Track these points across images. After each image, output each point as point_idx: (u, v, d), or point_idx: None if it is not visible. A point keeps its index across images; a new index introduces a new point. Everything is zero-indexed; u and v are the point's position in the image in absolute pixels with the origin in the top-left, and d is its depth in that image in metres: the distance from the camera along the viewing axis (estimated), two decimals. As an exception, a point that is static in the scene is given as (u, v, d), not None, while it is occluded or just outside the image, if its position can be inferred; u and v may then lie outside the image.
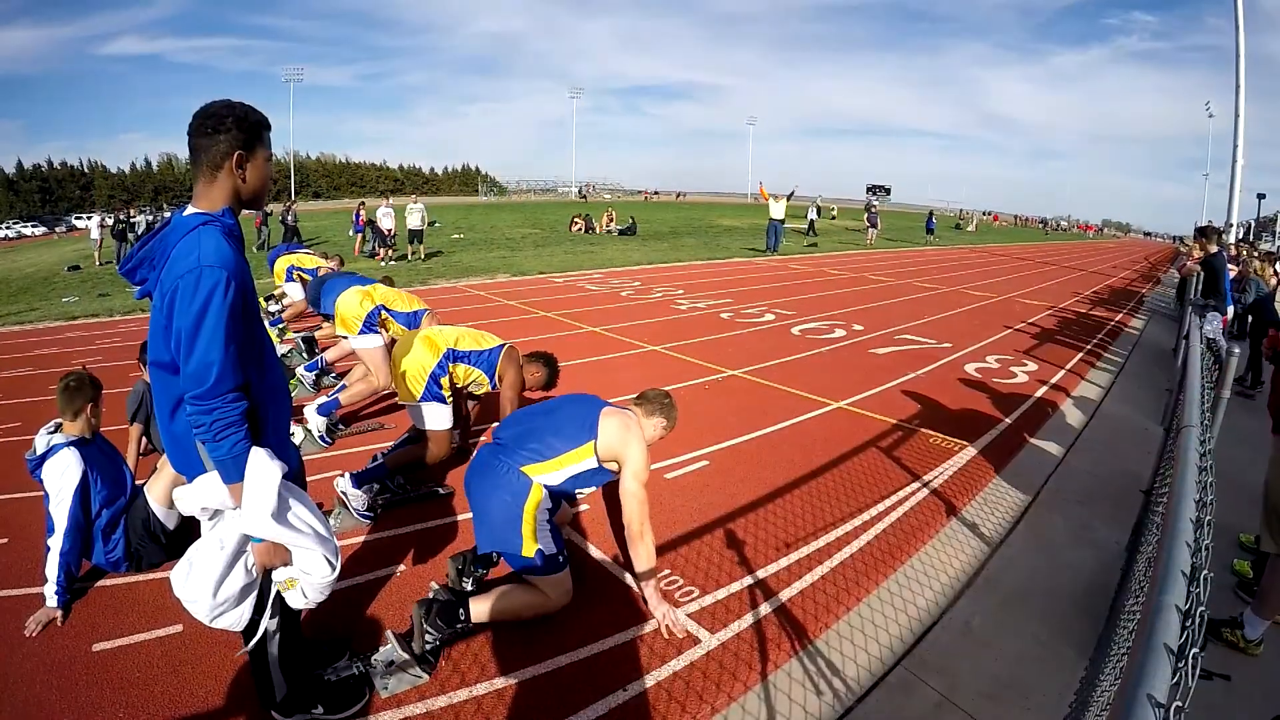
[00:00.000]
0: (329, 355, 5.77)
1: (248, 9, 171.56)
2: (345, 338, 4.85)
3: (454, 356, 3.67)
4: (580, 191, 74.58)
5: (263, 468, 1.74)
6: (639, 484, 2.67)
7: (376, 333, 4.70)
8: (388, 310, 4.79)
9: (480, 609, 2.54)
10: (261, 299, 7.23)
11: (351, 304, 4.67)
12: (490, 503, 2.61)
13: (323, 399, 4.55)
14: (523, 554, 2.57)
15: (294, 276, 7.19)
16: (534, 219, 33.21)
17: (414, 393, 3.57)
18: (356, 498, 3.45)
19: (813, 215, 29.62)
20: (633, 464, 2.68)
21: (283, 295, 7.56)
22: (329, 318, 5.28)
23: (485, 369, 3.76)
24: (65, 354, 7.25)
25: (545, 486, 2.63)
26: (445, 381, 3.63)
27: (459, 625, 2.48)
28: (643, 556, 2.69)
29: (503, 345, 3.82)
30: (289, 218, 20.26)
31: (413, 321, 4.73)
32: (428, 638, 2.40)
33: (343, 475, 3.49)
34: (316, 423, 4.46)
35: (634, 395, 2.98)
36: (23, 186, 62.87)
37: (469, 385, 3.79)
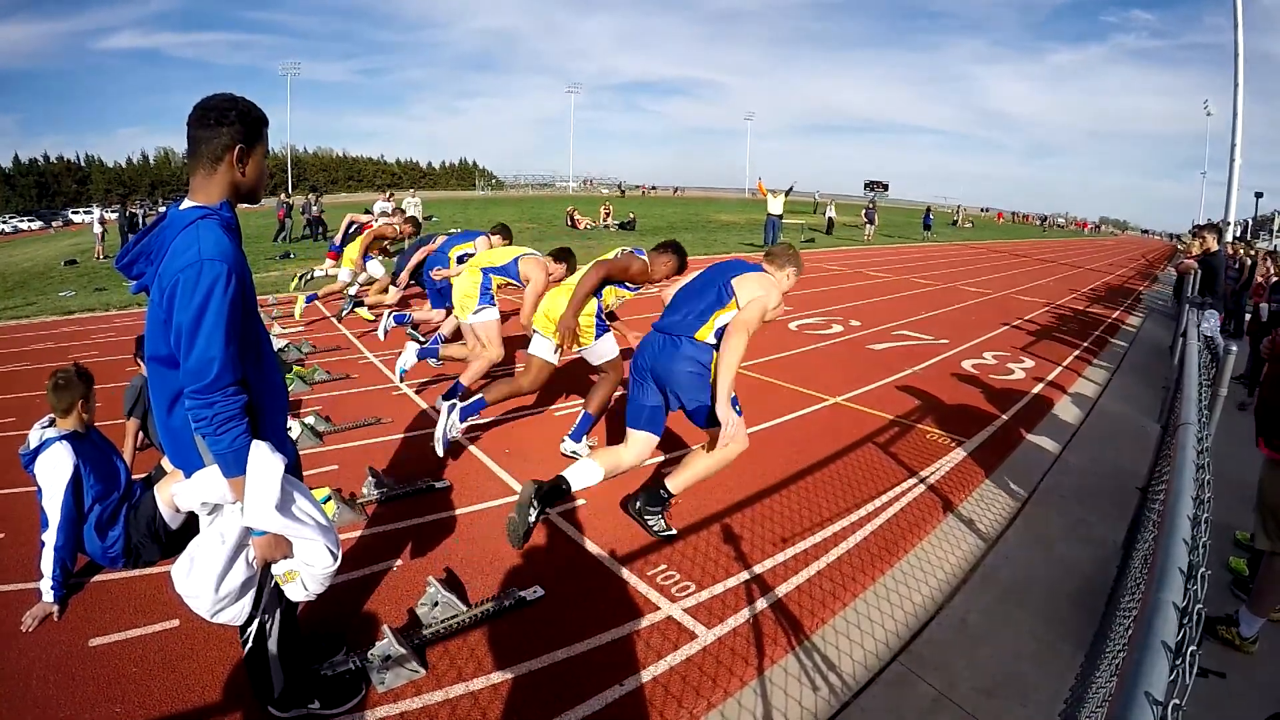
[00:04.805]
0: (416, 316, 6.30)
1: (245, 4, 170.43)
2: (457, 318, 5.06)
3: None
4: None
5: (264, 460, 1.73)
6: (758, 318, 3.04)
7: (493, 303, 4.68)
8: (489, 270, 4.65)
9: (677, 481, 3.23)
10: (298, 296, 8.15)
11: (464, 284, 4.68)
12: (678, 376, 3.07)
13: (417, 348, 4.94)
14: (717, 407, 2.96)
15: (372, 254, 8.02)
16: (531, 214, 33.11)
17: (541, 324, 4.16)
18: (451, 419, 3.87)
19: (831, 214, 29.59)
20: (767, 302, 3.09)
21: (361, 271, 8.15)
22: (421, 283, 6.34)
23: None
24: (62, 348, 7.21)
25: (713, 339, 3.08)
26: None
27: (665, 502, 3.29)
28: (734, 350, 2.96)
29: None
30: (314, 209, 20.13)
31: (509, 270, 4.60)
32: (648, 519, 3.26)
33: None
34: (407, 357, 4.85)
35: (762, 252, 3.41)
36: (19, 181, 62.28)
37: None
